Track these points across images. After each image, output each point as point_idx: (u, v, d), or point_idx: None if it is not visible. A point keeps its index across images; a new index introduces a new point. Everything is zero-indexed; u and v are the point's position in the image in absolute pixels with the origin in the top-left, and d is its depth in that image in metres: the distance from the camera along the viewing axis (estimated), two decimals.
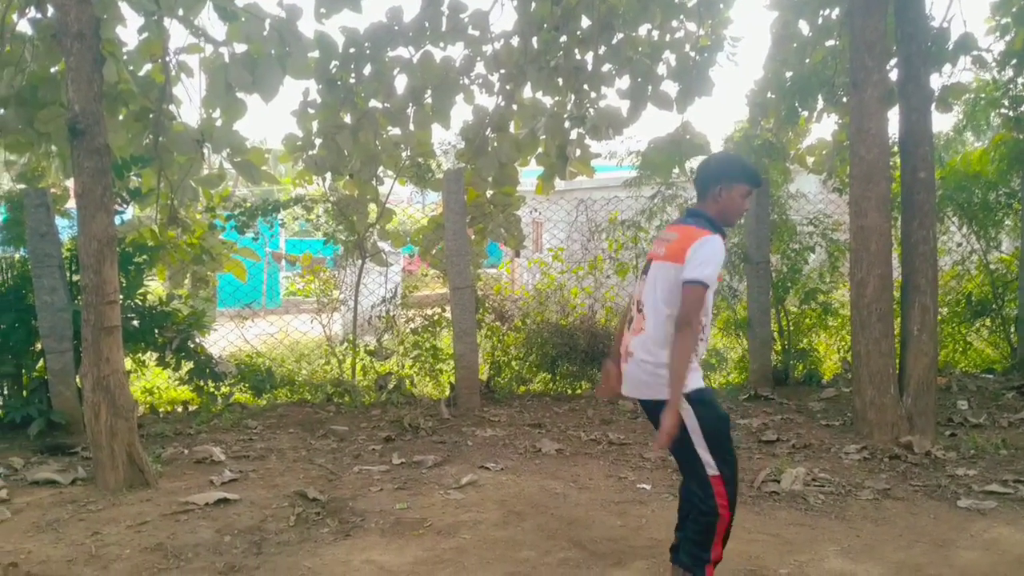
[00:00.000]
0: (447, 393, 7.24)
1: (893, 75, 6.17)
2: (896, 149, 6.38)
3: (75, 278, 6.10)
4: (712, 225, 3.26)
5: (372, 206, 7.85)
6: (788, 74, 8.14)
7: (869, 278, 5.78)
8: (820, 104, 8.28)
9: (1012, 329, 8.07)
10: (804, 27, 8.07)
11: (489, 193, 7.94)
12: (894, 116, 6.16)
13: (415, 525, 4.40)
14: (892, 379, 5.78)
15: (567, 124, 7.85)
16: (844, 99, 7.63)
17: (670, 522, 4.40)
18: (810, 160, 8.73)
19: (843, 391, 7.09)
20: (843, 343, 7.99)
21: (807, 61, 8.08)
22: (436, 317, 7.67)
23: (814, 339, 8.17)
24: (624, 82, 7.85)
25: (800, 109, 8.18)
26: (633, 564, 3.90)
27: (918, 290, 5.87)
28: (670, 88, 7.84)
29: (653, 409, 3.28)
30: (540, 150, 7.98)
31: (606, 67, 7.80)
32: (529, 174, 8.49)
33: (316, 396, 7.28)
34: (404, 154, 7.78)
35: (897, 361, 5.93)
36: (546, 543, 4.16)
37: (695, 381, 3.20)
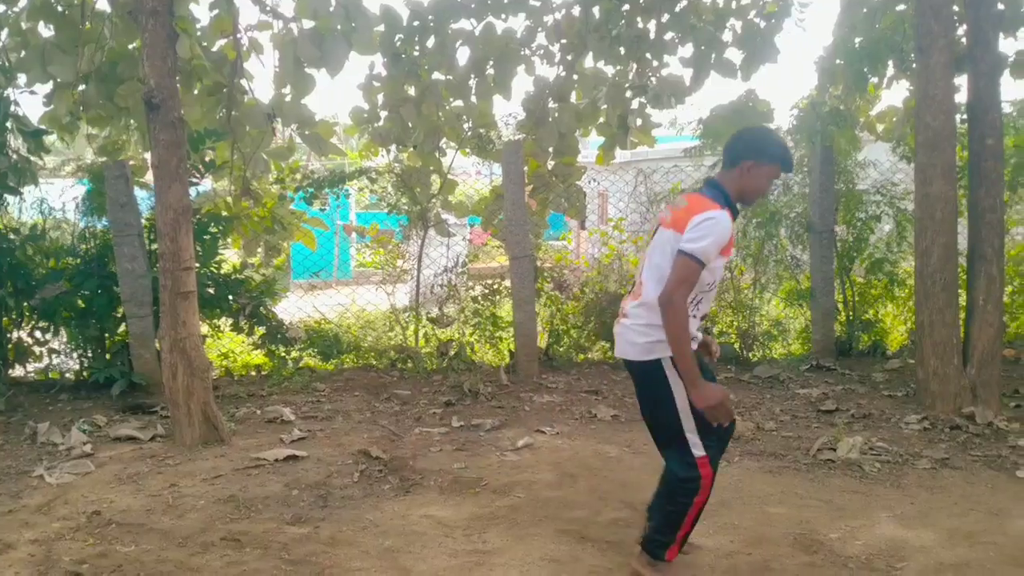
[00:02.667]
0: (506, 360, 7.39)
1: (965, 41, 6.02)
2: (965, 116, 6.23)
3: (154, 246, 6.39)
4: (726, 200, 3.15)
5: (435, 177, 8.00)
6: (857, 40, 7.96)
7: (934, 247, 5.69)
8: (890, 70, 8.09)
9: None
10: None
11: (550, 164, 8.00)
12: (964, 82, 6.03)
13: (472, 484, 4.56)
14: (956, 349, 5.69)
15: (628, 93, 7.84)
16: (914, 65, 7.45)
17: (722, 486, 4.47)
18: (880, 127, 8.54)
19: (908, 362, 7.00)
20: (910, 314, 7.85)
21: (877, 26, 7.89)
22: (496, 286, 7.81)
23: (880, 310, 8.05)
24: (687, 50, 7.80)
25: (869, 75, 7.99)
26: None
27: (984, 260, 5.75)
28: (734, 55, 7.76)
29: (634, 371, 3.25)
30: (601, 120, 8.00)
31: (669, 35, 7.75)
32: (595, 145, 8.52)
33: (381, 362, 7.50)
34: (466, 126, 7.89)
35: (962, 332, 5.84)
36: (598, 503, 4.27)
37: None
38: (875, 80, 8.08)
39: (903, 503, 4.24)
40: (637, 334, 3.16)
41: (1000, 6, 6.25)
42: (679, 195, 3.37)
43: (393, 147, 7.90)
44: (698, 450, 3.14)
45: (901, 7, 7.64)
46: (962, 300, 5.98)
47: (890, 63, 7.90)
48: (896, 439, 5.25)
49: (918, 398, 5.93)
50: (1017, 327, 7.89)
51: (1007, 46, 8.22)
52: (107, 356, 6.71)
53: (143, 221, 6.57)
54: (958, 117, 6.00)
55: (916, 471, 4.69)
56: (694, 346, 3.17)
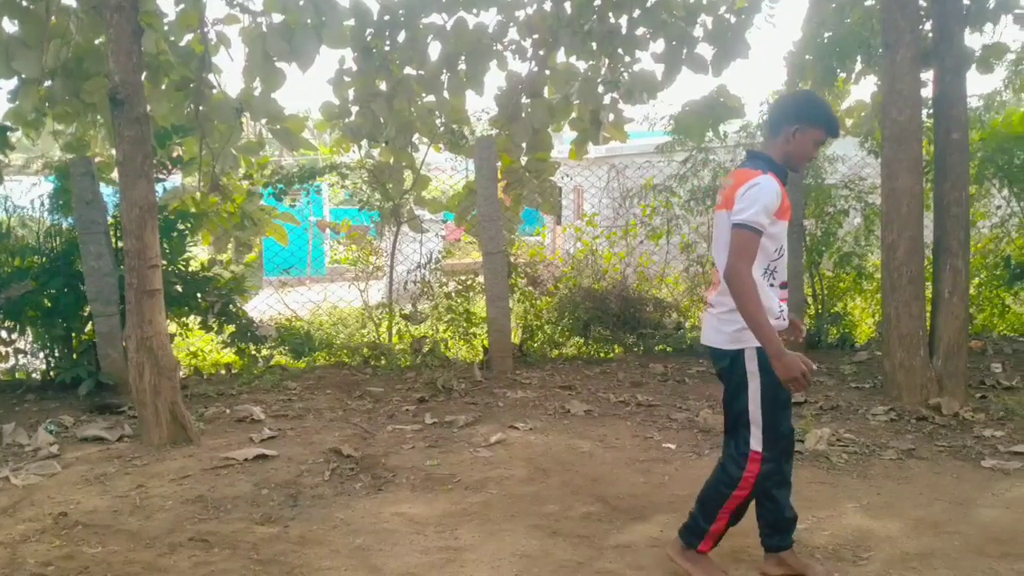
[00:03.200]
0: (480, 356, 7.38)
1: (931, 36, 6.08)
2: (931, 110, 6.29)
3: (120, 244, 6.31)
4: (771, 166, 3.12)
5: (408, 173, 7.96)
6: (826, 35, 8.02)
7: (900, 240, 5.75)
8: (859, 65, 8.17)
9: None
10: None
11: (523, 159, 8.00)
12: (931, 77, 6.09)
13: (444, 480, 4.55)
14: (922, 341, 5.76)
15: (600, 89, 7.86)
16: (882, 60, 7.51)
17: (693, 479, 4.50)
18: (848, 122, 8.62)
19: (876, 354, 7.07)
20: (878, 307, 7.94)
21: (846, 21, 7.95)
22: (470, 282, 7.80)
23: (849, 303, 8.13)
24: (659, 45, 7.83)
25: (838, 70, 8.06)
26: (654, 518, 4.00)
27: (949, 252, 5.82)
28: (705, 51, 7.80)
29: (717, 358, 3.23)
30: (573, 115, 8.01)
31: (640, 30, 7.78)
32: (568, 140, 8.52)
33: (353, 359, 7.46)
34: (438, 121, 7.86)
35: (929, 324, 5.91)
36: (570, 498, 4.28)
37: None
38: (844, 75, 8.16)
39: (870, 494, 4.28)
40: (722, 323, 3.15)
41: (966, 1, 6.33)
42: (726, 176, 3.31)
43: (365, 142, 7.86)
44: (756, 444, 3.11)
45: (869, 2, 7.71)
46: (929, 293, 6.05)
47: (858, 58, 7.98)
48: (863, 430, 5.31)
49: (885, 390, 6.00)
50: (983, 319, 8.00)
51: (973, 41, 8.34)
52: (74, 356, 6.61)
53: (109, 218, 6.48)
54: (924, 112, 6.07)
55: (883, 462, 4.75)
56: (784, 324, 3.17)
